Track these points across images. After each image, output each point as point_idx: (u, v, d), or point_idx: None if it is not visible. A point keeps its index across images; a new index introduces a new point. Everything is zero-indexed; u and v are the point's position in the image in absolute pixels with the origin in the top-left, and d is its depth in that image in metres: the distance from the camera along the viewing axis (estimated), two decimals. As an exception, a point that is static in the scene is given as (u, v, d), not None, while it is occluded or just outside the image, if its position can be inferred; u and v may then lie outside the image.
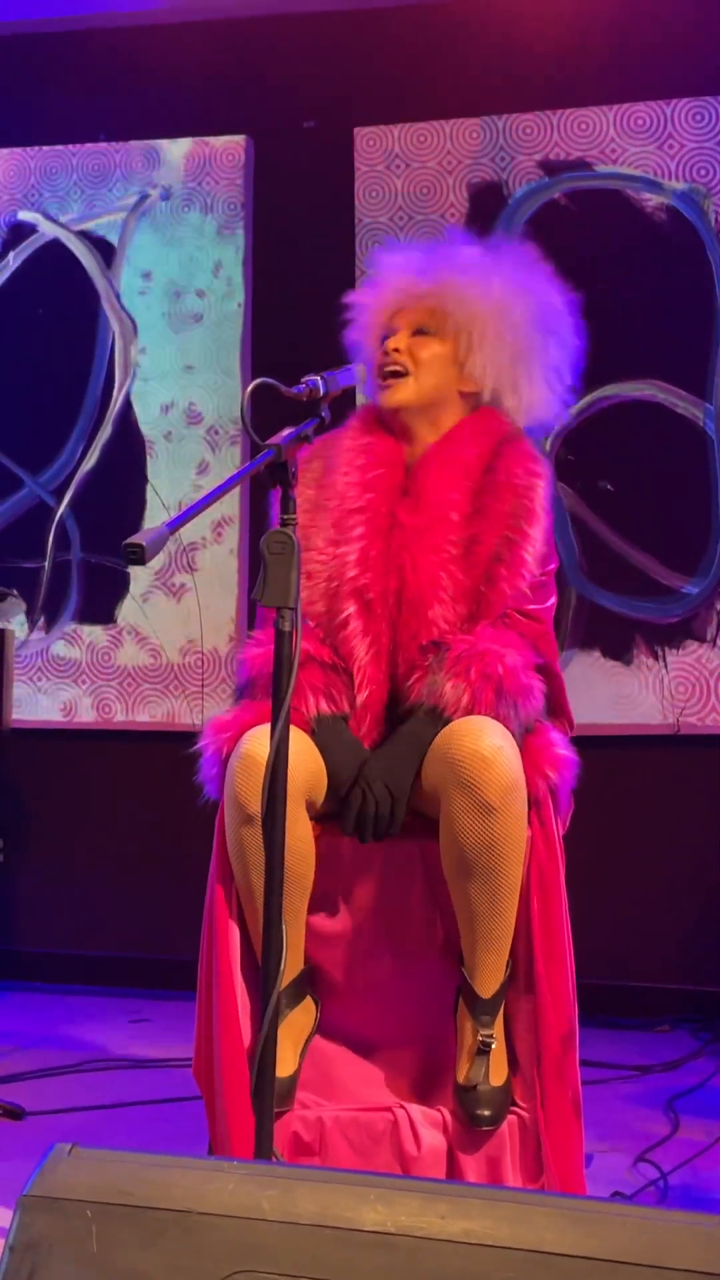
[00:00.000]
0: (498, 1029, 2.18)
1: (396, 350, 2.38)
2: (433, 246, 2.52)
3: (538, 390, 2.45)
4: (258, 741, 2.13)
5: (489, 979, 2.17)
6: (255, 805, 2.08)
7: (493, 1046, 2.15)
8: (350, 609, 2.30)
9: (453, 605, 2.28)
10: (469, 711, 2.18)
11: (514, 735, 2.20)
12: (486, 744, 2.11)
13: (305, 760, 2.19)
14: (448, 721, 2.19)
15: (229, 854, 2.20)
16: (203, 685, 4.17)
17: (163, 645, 4.22)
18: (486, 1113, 2.14)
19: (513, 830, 2.12)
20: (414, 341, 2.40)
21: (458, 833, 2.12)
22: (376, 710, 2.30)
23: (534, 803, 2.21)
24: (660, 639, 3.89)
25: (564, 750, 2.28)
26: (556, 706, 2.36)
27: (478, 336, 2.39)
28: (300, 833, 2.16)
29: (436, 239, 2.64)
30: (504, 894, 2.14)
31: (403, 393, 2.38)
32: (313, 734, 2.25)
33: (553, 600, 2.39)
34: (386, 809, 2.20)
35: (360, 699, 2.28)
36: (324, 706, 2.26)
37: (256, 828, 2.09)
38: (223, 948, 2.19)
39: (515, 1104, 2.19)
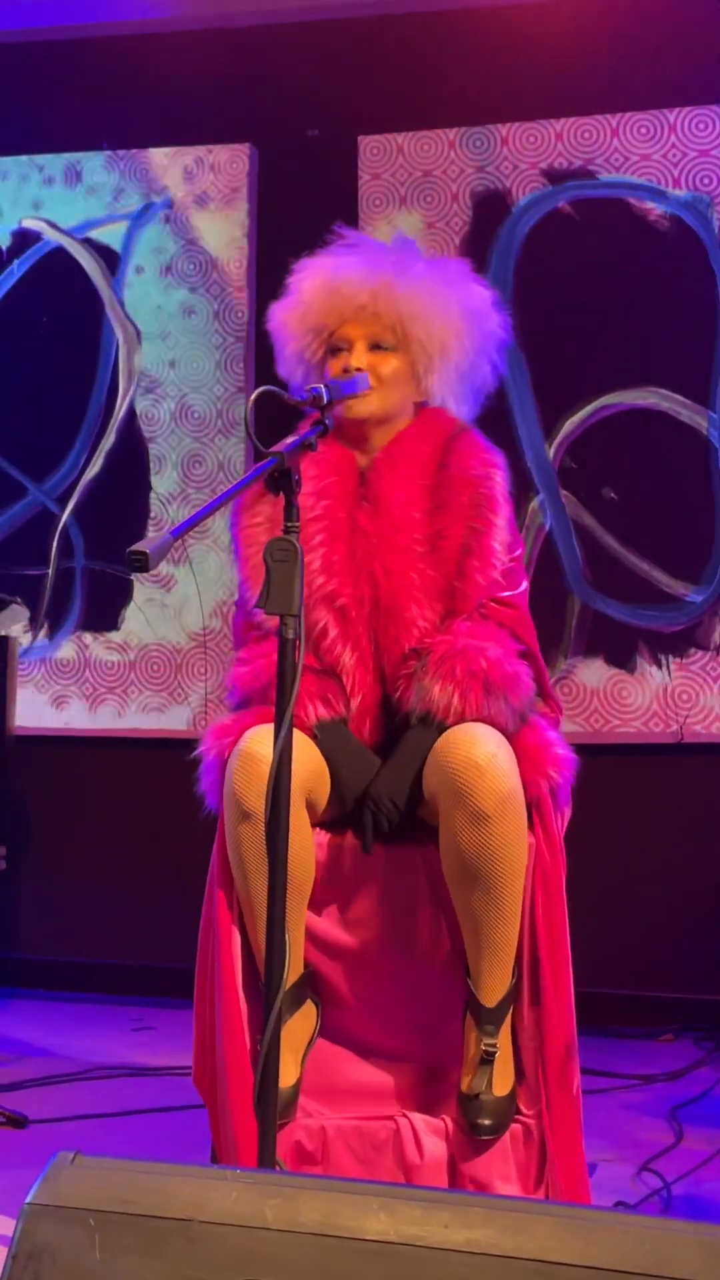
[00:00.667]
0: (503, 1038, 2.17)
1: (359, 370, 2.37)
2: (371, 254, 2.48)
3: (470, 403, 2.50)
4: (257, 740, 2.14)
5: (493, 988, 2.17)
6: (253, 802, 2.08)
7: (496, 1055, 2.15)
8: (326, 618, 2.31)
9: (428, 603, 2.30)
10: (461, 711, 2.19)
11: (510, 728, 2.22)
12: (480, 752, 2.12)
13: (305, 760, 2.19)
14: (443, 724, 2.20)
15: (228, 854, 2.20)
16: (205, 692, 4.18)
17: (165, 652, 4.22)
18: (488, 1122, 2.13)
19: (511, 838, 2.12)
20: (373, 358, 2.39)
21: (457, 841, 2.12)
22: (374, 713, 2.31)
23: (534, 804, 2.21)
24: (664, 647, 3.89)
25: (562, 750, 2.28)
26: (541, 691, 2.38)
27: (439, 357, 2.41)
28: (300, 834, 2.15)
29: (373, 242, 2.61)
30: (506, 902, 2.14)
31: (368, 404, 2.37)
32: (316, 740, 2.25)
33: (525, 585, 2.41)
34: (397, 824, 2.22)
35: (355, 703, 2.30)
36: (322, 711, 2.27)
37: (255, 825, 2.09)
38: (225, 953, 2.19)
39: (520, 1112, 2.18)
